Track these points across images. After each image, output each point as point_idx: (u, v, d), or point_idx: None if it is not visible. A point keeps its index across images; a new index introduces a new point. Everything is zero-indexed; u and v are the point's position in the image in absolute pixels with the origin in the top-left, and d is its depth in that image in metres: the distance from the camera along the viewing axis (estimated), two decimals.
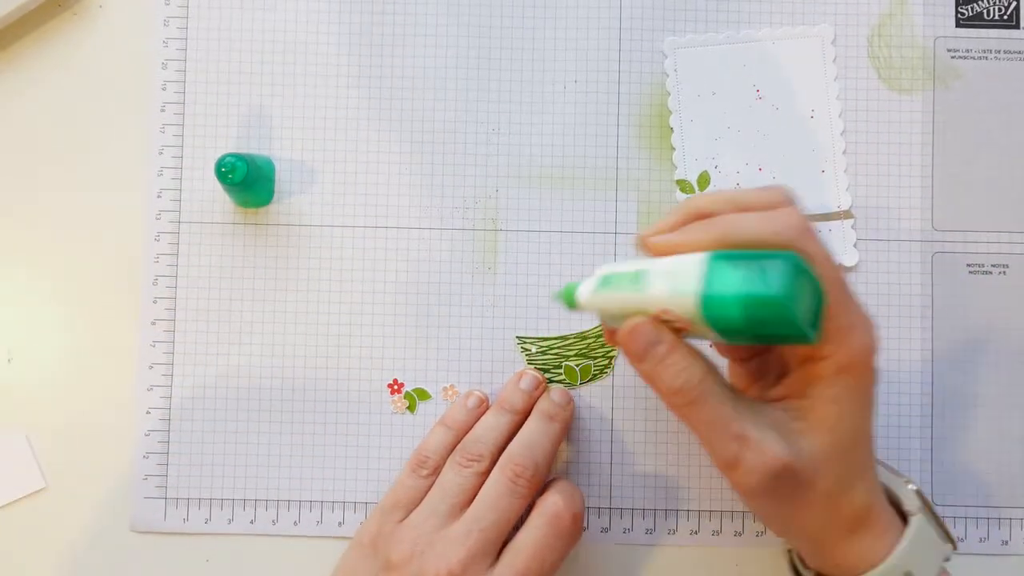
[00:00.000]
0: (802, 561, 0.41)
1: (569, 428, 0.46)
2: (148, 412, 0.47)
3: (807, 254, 0.34)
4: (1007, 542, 0.47)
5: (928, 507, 0.39)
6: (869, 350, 0.36)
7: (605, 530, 0.47)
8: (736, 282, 0.32)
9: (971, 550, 0.47)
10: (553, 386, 0.46)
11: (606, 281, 0.37)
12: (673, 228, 0.37)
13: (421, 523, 0.41)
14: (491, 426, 0.44)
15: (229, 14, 0.48)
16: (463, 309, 0.47)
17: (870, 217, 0.48)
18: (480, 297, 0.48)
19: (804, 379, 0.37)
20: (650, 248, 0.37)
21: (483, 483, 0.42)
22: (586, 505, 0.47)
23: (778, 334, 0.33)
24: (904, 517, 0.39)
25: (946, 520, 0.47)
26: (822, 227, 0.47)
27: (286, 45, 0.48)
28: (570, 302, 0.39)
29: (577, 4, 0.48)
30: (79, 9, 0.48)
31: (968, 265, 0.48)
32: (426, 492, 0.43)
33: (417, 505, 0.43)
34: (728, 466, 0.35)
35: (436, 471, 0.44)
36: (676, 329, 0.36)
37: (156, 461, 0.47)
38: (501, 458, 0.43)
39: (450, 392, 0.47)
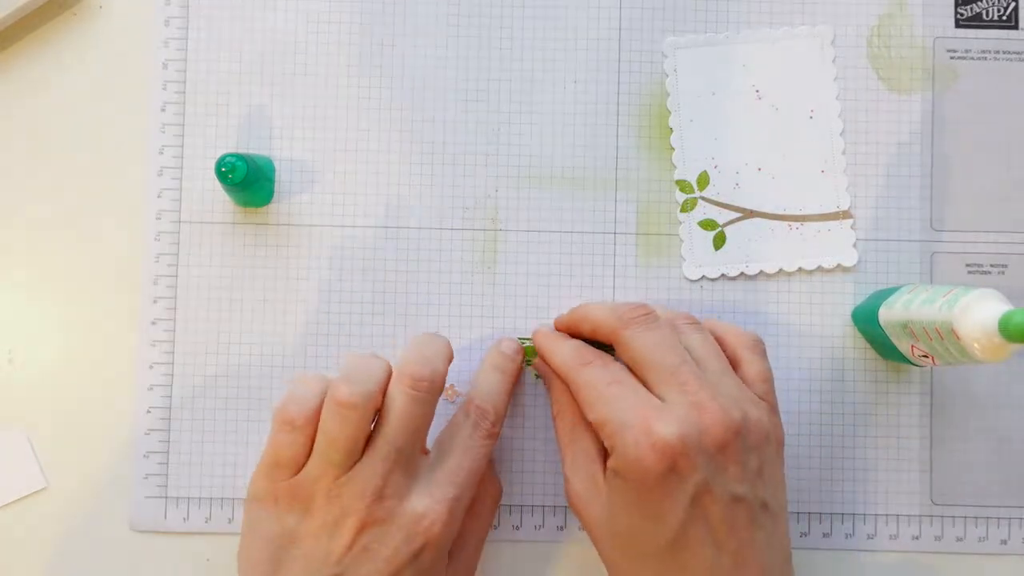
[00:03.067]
0: None
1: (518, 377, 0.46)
2: (148, 411, 0.47)
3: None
4: (1006, 541, 0.47)
5: None
6: (639, 462, 0.37)
7: None
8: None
9: (970, 550, 0.47)
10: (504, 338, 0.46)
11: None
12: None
13: (323, 472, 0.38)
14: (367, 364, 0.41)
15: (229, 14, 0.48)
16: (463, 309, 0.48)
17: (869, 217, 0.48)
18: (480, 297, 0.48)
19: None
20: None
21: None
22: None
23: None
24: None
25: (945, 520, 0.47)
26: (821, 227, 0.47)
27: (286, 45, 0.48)
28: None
29: (577, 4, 0.48)
30: (79, 9, 0.48)
31: (967, 265, 0.48)
32: (306, 445, 0.39)
33: (300, 463, 0.39)
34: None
35: (310, 421, 0.39)
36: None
37: (156, 460, 0.47)
38: (394, 375, 0.40)
39: (450, 392, 0.47)
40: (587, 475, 0.41)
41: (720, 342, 0.42)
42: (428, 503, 0.39)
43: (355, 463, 0.38)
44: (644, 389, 0.39)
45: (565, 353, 0.42)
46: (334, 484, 0.38)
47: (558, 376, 0.43)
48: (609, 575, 0.41)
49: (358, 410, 0.38)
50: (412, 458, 0.39)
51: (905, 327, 0.41)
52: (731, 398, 0.39)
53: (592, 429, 0.41)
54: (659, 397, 0.39)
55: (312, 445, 0.39)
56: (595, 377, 0.40)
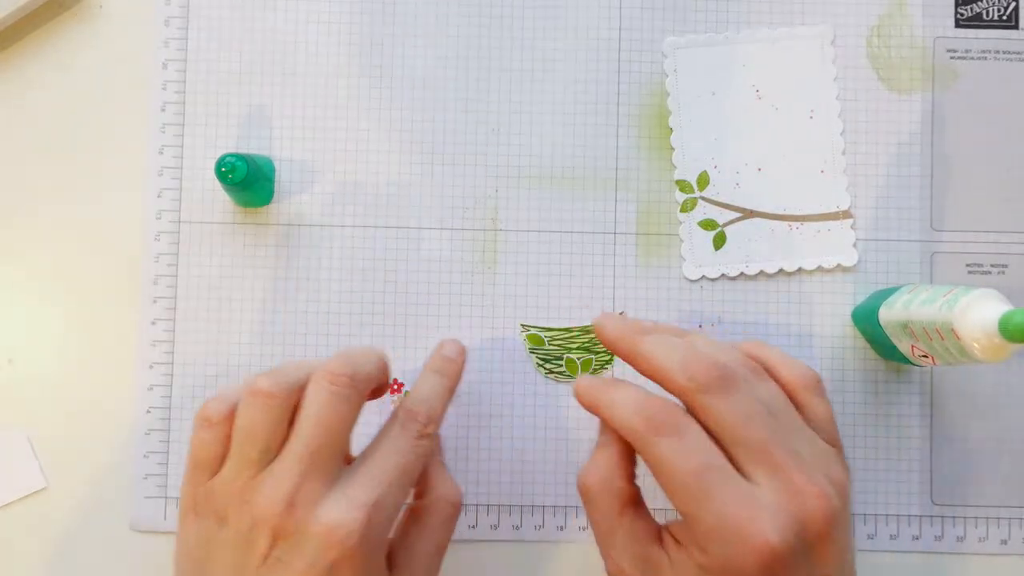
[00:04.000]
0: None
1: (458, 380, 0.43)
2: (148, 411, 0.47)
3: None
4: (1006, 542, 0.47)
5: None
6: (739, 567, 0.33)
7: None
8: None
9: (970, 550, 0.47)
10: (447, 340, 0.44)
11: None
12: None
13: (237, 473, 0.36)
14: (295, 364, 0.39)
15: (229, 14, 0.48)
16: (463, 309, 0.48)
17: (869, 217, 0.48)
18: (480, 297, 0.48)
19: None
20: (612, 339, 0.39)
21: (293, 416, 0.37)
22: (581, 505, 0.47)
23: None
24: None
25: (945, 520, 0.47)
26: (821, 227, 0.47)
27: (286, 45, 0.48)
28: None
29: (577, 4, 0.48)
30: (79, 9, 0.48)
31: (967, 265, 0.48)
32: (223, 443, 0.37)
33: (217, 463, 0.37)
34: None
35: (228, 418, 0.37)
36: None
37: (156, 460, 0.47)
38: (313, 374, 0.38)
39: (394, 386, 0.47)
40: (641, 557, 0.36)
41: (773, 378, 0.38)
42: (342, 512, 0.35)
43: (270, 462, 0.36)
44: (735, 473, 0.34)
45: (628, 409, 0.36)
46: (247, 486, 0.36)
47: (613, 430, 0.37)
48: None
49: (275, 399, 0.36)
50: (329, 462, 0.36)
51: (905, 327, 0.41)
52: (819, 468, 0.35)
53: (644, 505, 0.37)
54: (747, 475, 0.34)
55: (228, 445, 0.37)
56: (677, 458, 0.34)
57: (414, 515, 0.40)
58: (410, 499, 0.41)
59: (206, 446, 0.37)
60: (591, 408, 0.38)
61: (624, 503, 0.37)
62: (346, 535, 0.34)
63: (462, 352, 0.43)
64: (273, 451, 0.36)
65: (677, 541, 0.35)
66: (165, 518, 0.47)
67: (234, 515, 0.36)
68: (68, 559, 0.47)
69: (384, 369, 0.39)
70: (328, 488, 0.36)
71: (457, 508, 0.41)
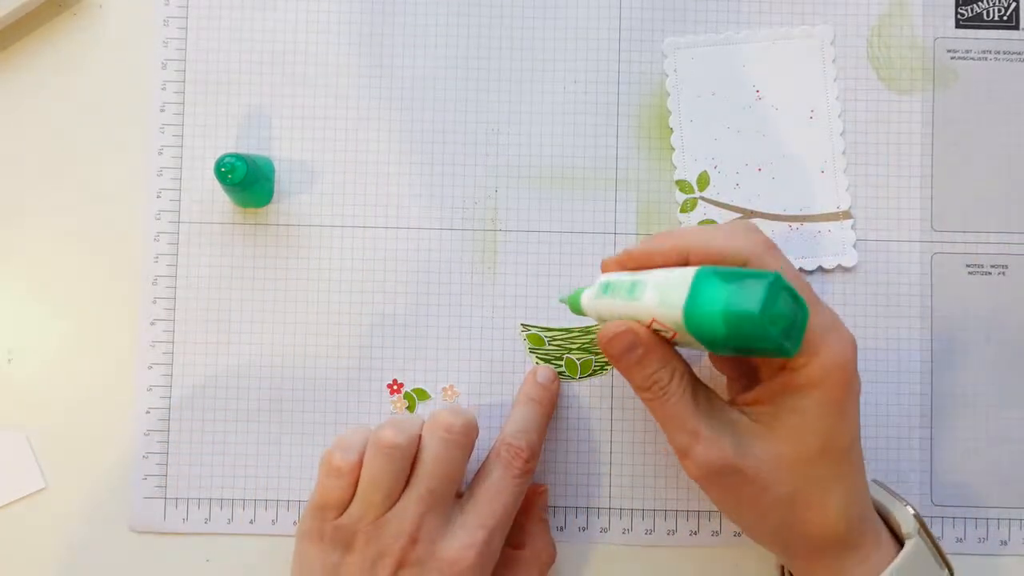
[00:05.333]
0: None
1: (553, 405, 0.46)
2: (148, 412, 0.47)
3: (769, 268, 0.37)
4: (1006, 542, 0.47)
5: (926, 532, 0.40)
6: (841, 364, 0.37)
7: (605, 530, 0.47)
8: (718, 297, 0.34)
9: (970, 550, 0.47)
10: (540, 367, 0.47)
11: (605, 288, 0.40)
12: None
13: (363, 515, 0.41)
14: (407, 417, 0.45)
15: (229, 14, 0.48)
16: (463, 309, 0.48)
17: (869, 217, 0.48)
18: (480, 297, 0.48)
19: (774, 388, 0.39)
20: (625, 261, 0.41)
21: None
22: (586, 505, 0.47)
23: (757, 347, 0.35)
24: (901, 542, 0.40)
25: (945, 520, 0.47)
26: (821, 227, 0.47)
27: (286, 45, 0.48)
28: (575, 307, 0.42)
29: (577, 4, 0.48)
30: (79, 9, 0.48)
31: (967, 266, 0.48)
32: (350, 488, 0.42)
33: (345, 504, 0.42)
34: (681, 455, 0.39)
35: (354, 468, 0.42)
36: (665, 338, 0.38)
37: (156, 461, 0.47)
38: (427, 423, 0.42)
39: (449, 392, 0.47)
40: (732, 426, 0.39)
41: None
42: (458, 548, 0.40)
43: (393, 504, 0.41)
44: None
45: (736, 236, 0.39)
46: (372, 526, 0.40)
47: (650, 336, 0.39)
48: (770, 522, 0.39)
49: (399, 449, 0.41)
50: (445, 501, 0.41)
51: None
52: None
53: (702, 382, 0.41)
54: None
55: (355, 489, 0.41)
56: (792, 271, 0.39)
57: (511, 563, 0.44)
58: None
59: (333, 492, 0.41)
60: (672, 254, 0.39)
61: (693, 381, 0.40)
62: (460, 571, 0.40)
63: (556, 379, 0.46)
64: (395, 496, 0.41)
65: (777, 378, 0.38)
66: (164, 519, 0.47)
67: (361, 547, 0.40)
68: (67, 559, 0.47)
69: (476, 428, 0.43)
70: (445, 523, 0.41)
71: (549, 566, 0.45)
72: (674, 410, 0.39)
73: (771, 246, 0.39)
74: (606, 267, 0.42)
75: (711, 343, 0.35)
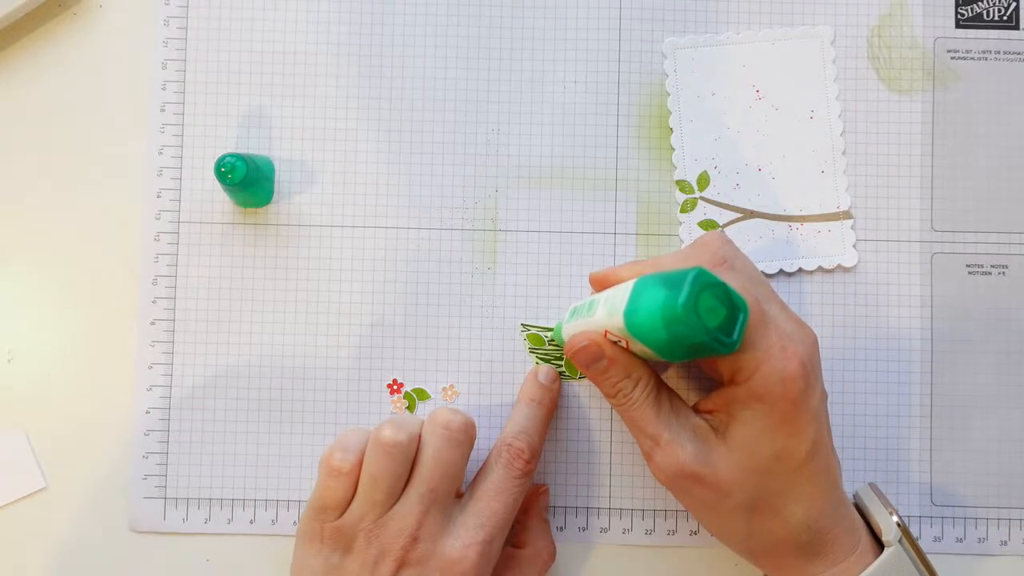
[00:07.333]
0: None
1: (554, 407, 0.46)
2: (148, 412, 0.47)
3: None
4: (1006, 542, 0.47)
5: (910, 540, 0.40)
6: (784, 379, 0.38)
7: (605, 530, 0.47)
8: (651, 296, 0.36)
9: (970, 550, 0.47)
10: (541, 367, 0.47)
11: (573, 312, 0.43)
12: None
13: (364, 514, 0.41)
14: (407, 416, 0.46)
15: (229, 14, 0.48)
16: (463, 309, 0.48)
17: (869, 218, 0.48)
18: (480, 297, 0.48)
19: (727, 396, 0.39)
20: (592, 281, 0.43)
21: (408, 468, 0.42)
22: (586, 506, 0.47)
23: (696, 344, 0.35)
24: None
25: (945, 520, 0.47)
26: (821, 227, 0.47)
27: (286, 45, 0.48)
28: (559, 340, 0.45)
29: (577, 4, 0.48)
30: (79, 9, 0.48)
31: (967, 266, 0.48)
32: (350, 489, 0.42)
33: (344, 505, 0.42)
34: (646, 458, 0.41)
35: (354, 468, 0.42)
36: (622, 347, 0.40)
37: (155, 461, 0.47)
38: (426, 422, 0.43)
39: (449, 392, 0.47)
40: (692, 433, 0.40)
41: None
42: (460, 547, 0.40)
43: (394, 503, 0.41)
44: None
45: (682, 257, 0.41)
46: (374, 525, 0.41)
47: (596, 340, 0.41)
48: (732, 527, 0.41)
49: (401, 447, 0.41)
50: (446, 500, 0.41)
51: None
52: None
53: (670, 390, 0.42)
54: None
55: (355, 490, 0.41)
56: (741, 290, 0.39)
57: (511, 562, 0.44)
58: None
59: (333, 492, 0.41)
60: (622, 277, 0.41)
61: (657, 389, 0.41)
62: (462, 571, 0.40)
63: (557, 379, 0.46)
64: (396, 494, 0.41)
65: (727, 388, 0.39)
66: (164, 519, 0.47)
67: (361, 547, 0.41)
68: (67, 559, 0.47)
69: (475, 427, 0.43)
70: (446, 523, 0.41)
71: (549, 565, 0.45)
72: (637, 415, 0.40)
73: (722, 260, 0.40)
74: (590, 280, 0.44)
75: (659, 347, 0.36)
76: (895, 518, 0.40)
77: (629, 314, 0.37)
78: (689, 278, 0.35)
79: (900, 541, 0.40)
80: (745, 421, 0.39)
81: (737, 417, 0.39)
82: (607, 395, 0.41)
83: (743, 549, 0.41)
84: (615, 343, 0.40)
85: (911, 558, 0.40)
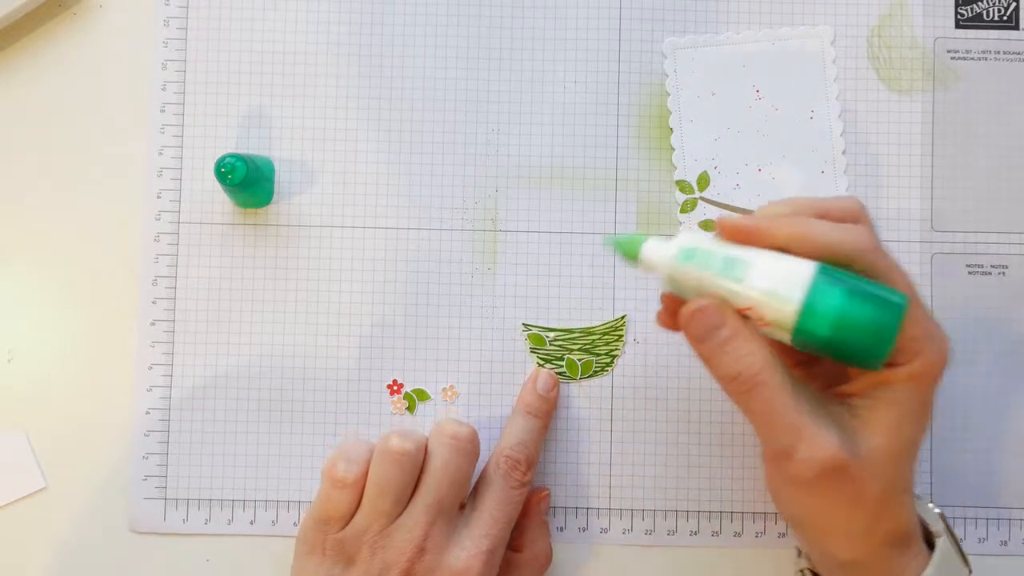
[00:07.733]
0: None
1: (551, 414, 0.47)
2: (148, 412, 0.47)
3: (878, 270, 0.36)
4: (1006, 542, 0.47)
5: (949, 530, 0.39)
6: (941, 364, 0.36)
7: (604, 530, 0.47)
8: (835, 304, 0.34)
9: (970, 550, 0.47)
10: (540, 372, 0.47)
11: (690, 254, 0.36)
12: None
13: (369, 524, 0.40)
14: (412, 427, 0.45)
15: (229, 14, 0.48)
16: (463, 309, 0.47)
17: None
18: (480, 297, 0.48)
19: (873, 381, 0.36)
20: (725, 230, 0.36)
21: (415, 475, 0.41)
22: (586, 506, 0.47)
23: (847, 355, 0.35)
24: (927, 539, 0.39)
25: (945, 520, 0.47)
26: None
27: (286, 45, 0.48)
28: (631, 255, 0.37)
29: (577, 4, 0.48)
30: (79, 9, 0.48)
31: (968, 266, 0.48)
32: (354, 501, 0.41)
33: (347, 517, 0.41)
34: (780, 456, 0.35)
35: (359, 479, 0.41)
36: (746, 319, 0.36)
37: (156, 462, 0.47)
38: (433, 432, 0.42)
39: (449, 393, 0.47)
40: (831, 419, 0.36)
41: (824, 215, 0.38)
42: (466, 558, 0.40)
43: (400, 514, 0.40)
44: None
45: (841, 231, 0.36)
46: (379, 536, 0.40)
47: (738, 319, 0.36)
48: (857, 521, 0.37)
49: (409, 456, 0.40)
50: (451, 511, 0.41)
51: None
52: None
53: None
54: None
55: (359, 502, 0.41)
56: (899, 270, 0.37)
57: (508, 566, 0.44)
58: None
59: (337, 504, 0.40)
60: (781, 237, 0.36)
61: (793, 381, 0.36)
62: None
63: (555, 386, 0.46)
64: (403, 504, 0.41)
65: (877, 372, 0.36)
66: (164, 519, 0.47)
67: (365, 559, 0.40)
68: (67, 560, 0.47)
69: (479, 439, 0.43)
70: (451, 534, 0.41)
71: (546, 568, 0.45)
72: (771, 402, 0.35)
73: (876, 247, 0.36)
74: (722, 228, 0.37)
75: (808, 342, 0.34)
76: (935, 508, 0.40)
77: (809, 309, 0.34)
78: (892, 310, 0.34)
79: (946, 531, 0.39)
80: (894, 402, 0.36)
81: (884, 399, 0.36)
82: (725, 376, 0.36)
83: (847, 548, 0.38)
84: (744, 317, 0.35)
85: (952, 547, 0.39)
